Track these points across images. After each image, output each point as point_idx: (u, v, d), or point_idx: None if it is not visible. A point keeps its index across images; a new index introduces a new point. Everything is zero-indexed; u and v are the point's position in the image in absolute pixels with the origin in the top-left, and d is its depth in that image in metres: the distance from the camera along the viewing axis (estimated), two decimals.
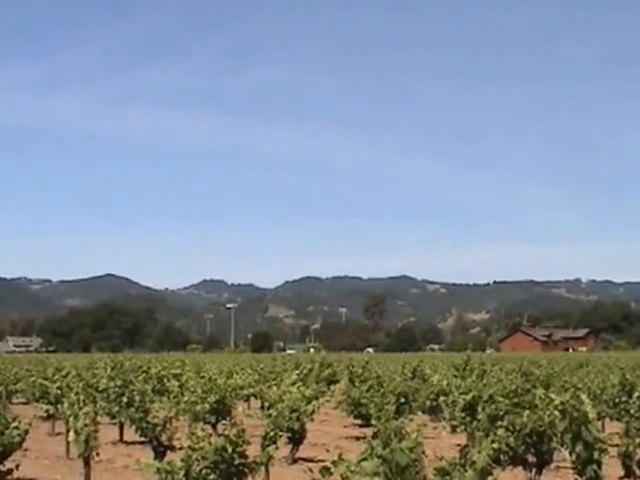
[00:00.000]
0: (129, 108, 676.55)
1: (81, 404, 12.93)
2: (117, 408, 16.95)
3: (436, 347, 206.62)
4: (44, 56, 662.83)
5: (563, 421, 10.05)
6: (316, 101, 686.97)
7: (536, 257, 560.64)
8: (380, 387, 19.52)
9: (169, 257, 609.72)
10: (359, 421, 20.45)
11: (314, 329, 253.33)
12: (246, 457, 9.11)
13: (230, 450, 8.88)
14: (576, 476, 9.90)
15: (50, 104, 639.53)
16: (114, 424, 18.48)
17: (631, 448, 11.14)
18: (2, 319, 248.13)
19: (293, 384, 15.99)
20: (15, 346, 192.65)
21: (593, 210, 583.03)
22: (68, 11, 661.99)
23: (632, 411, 13.88)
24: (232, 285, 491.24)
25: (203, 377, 20.69)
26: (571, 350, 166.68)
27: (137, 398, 15.32)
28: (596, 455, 9.69)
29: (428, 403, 20.60)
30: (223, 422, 17.49)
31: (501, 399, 13.45)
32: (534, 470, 11.34)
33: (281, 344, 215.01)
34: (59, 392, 20.28)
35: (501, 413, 12.45)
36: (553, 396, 11.40)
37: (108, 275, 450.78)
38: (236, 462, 8.93)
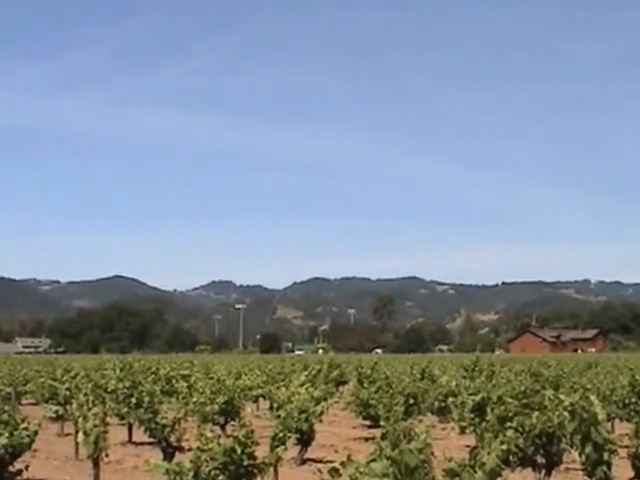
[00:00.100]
0: (134, 109, 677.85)
1: (90, 405, 12.95)
2: (126, 409, 16.97)
3: (445, 348, 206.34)
4: (47, 57, 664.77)
5: (572, 422, 10.02)
6: (321, 102, 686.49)
7: (545, 258, 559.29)
8: (389, 388, 19.50)
9: (178, 258, 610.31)
10: (368, 422, 20.42)
11: (322, 330, 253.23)
12: (255, 458, 9.11)
13: (239, 451, 8.88)
14: (586, 477, 9.86)
15: (55, 105, 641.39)
16: (123, 425, 18.50)
17: None
18: (11, 320, 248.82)
19: (302, 385, 16.00)
20: (24, 347, 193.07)
21: (602, 211, 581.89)
22: (70, 13, 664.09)
23: None
24: (241, 286, 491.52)
25: (212, 378, 20.71)
26: (580, 351, 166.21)
27: (146, 399, 15.33)
28: (606, 456, 9.65)
29: (437, 404, 20.56)
30: (232, 423, 17.56)
31: (510, 400, 13.41)
32: (543, 471, 11.32)
33: (290, 345, 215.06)
34: (68, 393, 20.32)
35: (510, 414, 12.42)
36: (562, 397, 11.38)
37: (117, 276, 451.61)
38: (245, 463, 8.93)
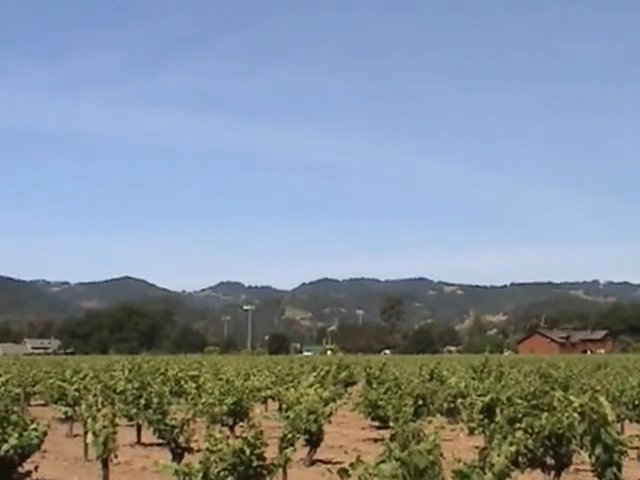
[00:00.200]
0: (138, 110, 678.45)
1: (99, 406, 12.97)
2: (135, 410, 16.98)
3: (453, 349, 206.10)
4: (57, 58, 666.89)
5: (582, 423, 9.99)
6: (330, 103, 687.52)
7: (553, 259, 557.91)
8: (398, 389, 19.48)
9: (186, 259, 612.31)
10: (377, 423, 20.41)
11: (331, 331, 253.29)
12: (264, 459, 9.10)
13: (248, 452, 8.88)
14: (595, 479, 9.84)
15: (65, 106, 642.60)
16: (132, 426, 18.52)
17: None
18: (20, 321, 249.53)
19: (310, 386, 15.99)
20: (33, 348, 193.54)
21: (611, 211, 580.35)
22: (73, 15, 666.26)
23: None
24: (249, 287, 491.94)
25: (221, 379, 20.73)
26: (589, 352, 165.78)
27: (155, 400, 15.34)
28: (616, 457, 9.62)
29: (446, 405, 20.53)
30: (241, 424, 17.55)
31: (519, 401, 13.37)
32: (553, 473, 11.29)
33: (298, 346, 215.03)
34: (77, 394, 20.37)
35: (519, 415, 12.38)
36: (572, 398, 11.34)
37: (126, 277, 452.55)
38: (254, 464, 8.93)
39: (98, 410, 12.55)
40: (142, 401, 16.52)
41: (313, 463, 14.73)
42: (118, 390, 18.35)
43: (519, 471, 10.29)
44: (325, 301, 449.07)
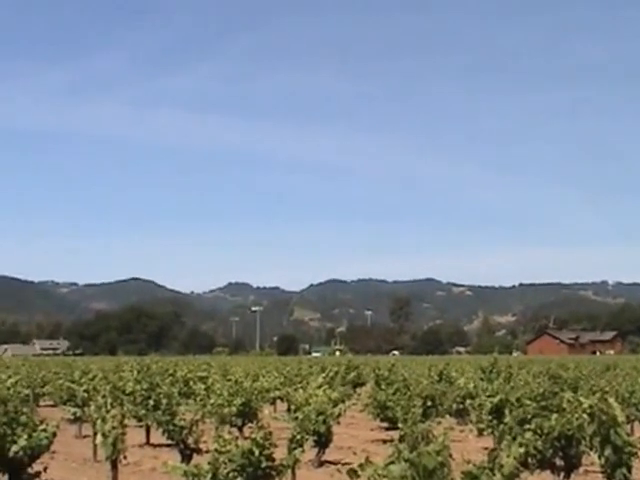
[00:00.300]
0: (156, 112, 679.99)
1: (108, 407, 12.98)
2: (144, 411, 17.00)
3: (462, 350, 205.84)
4: (73, 61, 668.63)
5: (592, 424, 9.96)
6: (337, 105, 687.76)
7: (562, 259, 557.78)
8: (407, 390, 19.45)
9: (195, 260, 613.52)
10: (385, 424, 20.39)
11: (339, 332, 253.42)
12: (273, 460, 9.09)
13: (257, 453, 8.87)
14: None
15: (75, 109, 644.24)
16: (141, 427, 18.54)
17: None
18: (29, 322, 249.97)
19: (319, 387, 15.97)
20: (42, 349, 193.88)
21: (620, 212, 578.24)
22: (87, 17, 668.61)
23: None
24: (258, 288, 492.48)
25: (229, 380, 20.71)
26: (598, 353, 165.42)
27: (164, 401, 15.34)
28: (625, 459, 9.59)
29: (455, 406, 20.51)
30: (249, 425, 17.54)
31: (528, 402, 13.34)
32: (562, 474, 11.26)
33: (306, 347, 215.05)
34: (86, 395, 20.41)
35: (529, 416, 12.36)
36: (581, 399, 11.32)
37: (134, 278, 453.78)
38: (263, 465, 8.92)
39: (107, 411, 12.56)
40: (151, 402, 16.55)
41: (322, 464, 14.72)
42: (127, 391, 18.36)
43: (528, 472, 10.27)
44: (333, 302, 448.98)
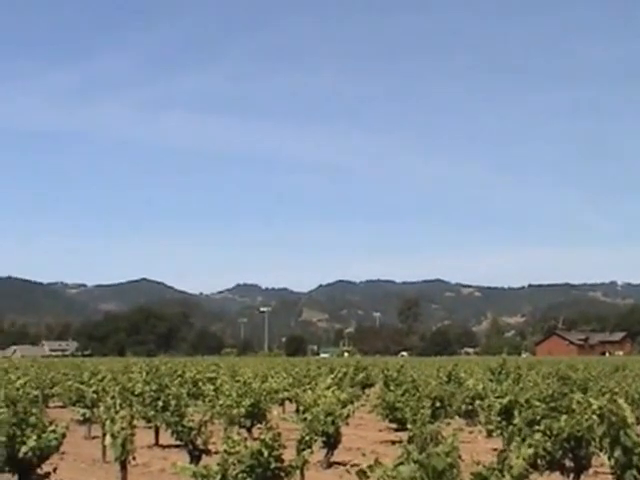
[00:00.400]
0: (161, 114, 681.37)
1: (117, 408, 13.00)
2: (153, 412, 17.02)
3: (471, 351, 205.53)
4: (78, 63, 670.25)
5: (601, 425, 9.92)
6: (344, 106, 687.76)
7: (571, 260, 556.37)
8: (415, 391, 19.42)
9: (203, 261, 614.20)
10: (394, 425, 20.35)
11: (348, 333, 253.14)
12: (282, 461, 9.09)
13: (266, 454, 8.87)
14: None
15: (84, 110, 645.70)
16: (150, 428, 18.57)
17: None
18: (38, 323, 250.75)
19: (328, 388, 15.96)
20: (51, 350, 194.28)
21: (629, 213, 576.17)
22: (96, 19, 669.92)
23: None
24: (266, 289, 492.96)
25: (238, 381, 20.72)
26: (608, 354, 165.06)
27: (172, 402, 15.35)
28: (635, 460, 9.55)
29: (464, 407, 20.48)
30: (258, 426, 17.53)
31: (538, 403, 13.31)
32: (572, 475, 11.24)
33: (315, 348, 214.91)
34: (95, 396, 20.44)
35: (538, 417, 12.33)
36: (591, 400, 11.28)
37: (143, 280, 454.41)
38: (272, 466, 8.92)
39: (116, 412, 12.58)
40: (160, 403, 16.55)
41: (331, 465, 14.71)
42: (136, 392, 18.39)
43: (538, 474, 10.26)
44: (342, 303, 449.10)
